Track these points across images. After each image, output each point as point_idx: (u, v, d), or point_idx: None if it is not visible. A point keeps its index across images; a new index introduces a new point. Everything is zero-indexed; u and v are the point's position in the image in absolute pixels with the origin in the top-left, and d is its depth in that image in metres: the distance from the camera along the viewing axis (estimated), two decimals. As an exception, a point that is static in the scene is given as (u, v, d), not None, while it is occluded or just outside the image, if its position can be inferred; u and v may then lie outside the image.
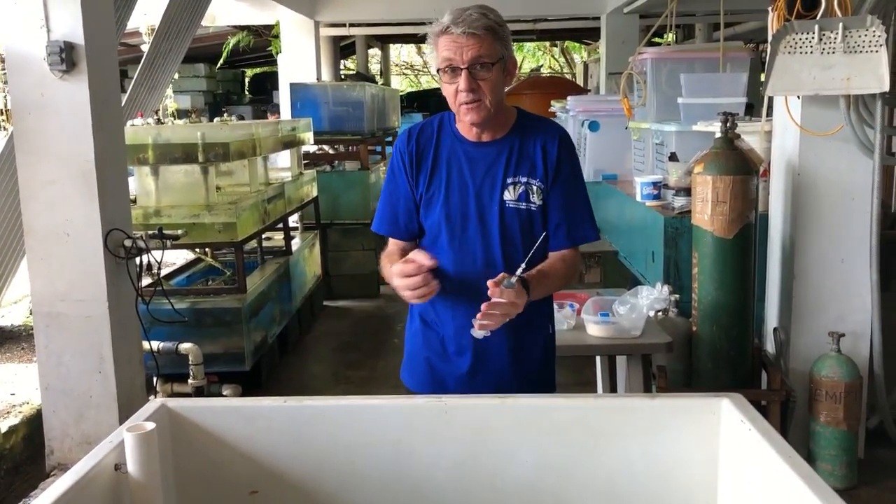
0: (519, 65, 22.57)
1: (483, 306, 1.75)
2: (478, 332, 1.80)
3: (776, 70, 3.03)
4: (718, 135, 3.12)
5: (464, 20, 1.80)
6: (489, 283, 1.75)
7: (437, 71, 1.86)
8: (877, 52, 2.89)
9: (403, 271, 1.81)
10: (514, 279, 1.77)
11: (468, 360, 1.99)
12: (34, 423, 3.53)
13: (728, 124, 3.11)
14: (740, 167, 3.02)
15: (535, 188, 1.92)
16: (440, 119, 2.00)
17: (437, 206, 1.95)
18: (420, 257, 1.81)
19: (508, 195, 1.92)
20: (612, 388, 3.42)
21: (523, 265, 1.81)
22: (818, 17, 2.99)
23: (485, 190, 1.92)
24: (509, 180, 1.92)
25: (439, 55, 1.84)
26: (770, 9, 3.24)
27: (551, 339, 2.11)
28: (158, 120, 4.41)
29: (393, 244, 2.05)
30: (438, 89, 2.01)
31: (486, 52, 1.81)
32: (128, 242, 3.24)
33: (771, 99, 3.39)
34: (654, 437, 1.64)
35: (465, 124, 1.93)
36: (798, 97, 3.16)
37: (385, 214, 2.04)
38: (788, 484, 1.32)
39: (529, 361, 2.03)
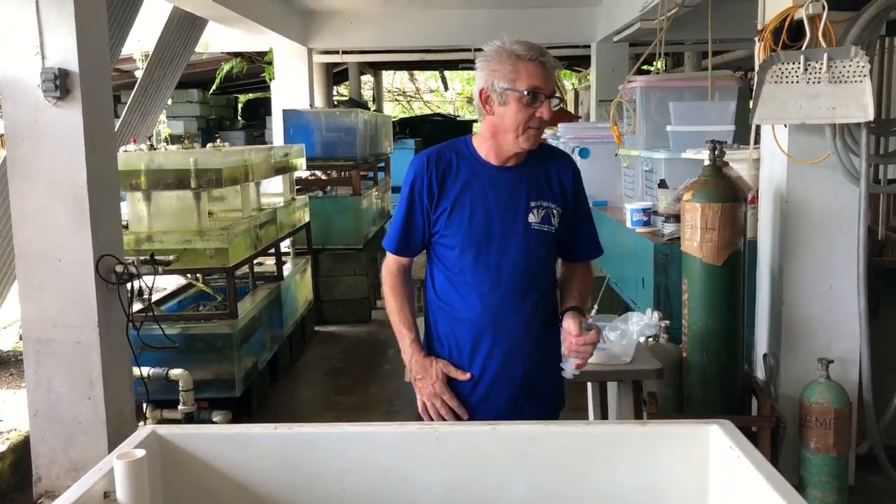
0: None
1: (570, 348, 1.96)
2: (568, 373, 1.98)
3: (763, 99, 3.08)
4: (707, 162, 3.16)
5: (545, 55, 1.95)
6: (570, 334, 1.96)
7: (523, 93, 1.92)
8: (860, 82, 2.94)
9: (435, 404, 2.08)
10: (590, 320, 1.97)
11: (484, 382, 2.07)
12: (22, 450, 3.49)
13: (716, 152, 3.15)
14: (729, 194, 3.06)
15: (554, 212, 2.05)
16: (455, 145, 2.09)
17: (461, 228, 2.02)
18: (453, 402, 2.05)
19: (533, 218, 2.02)
20: (603, 414, 3.41)
21: (595, 308, 2.05)
22: (804, 48, 3.04)
23: (508, 213, 2.02)
24: (533, 204, 2.03)
25: (524, 78, 1.92)
26: (757, 39, 3.30)
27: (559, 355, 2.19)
28: (151, 146, 4.43)
29: (394, 261, 2.15)
30: (431, 115, 2.12)
31: (554, 87, 1.97)
32: (119, 268, 3.24)
33: (758, 127, 3.43)
34: (645, 463, 1.65)
35: (495, 147, 2.02)
36: (785, 126, 3.21)
37: (399, 235, 2.11)
38: (777, 511, 1.32)
39: (544, 384, 2.12)
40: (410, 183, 2.06)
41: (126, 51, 6.29)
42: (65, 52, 3.03)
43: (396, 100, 21.85)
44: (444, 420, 2.02)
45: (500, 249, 2.01)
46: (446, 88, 18.42)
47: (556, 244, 2.09)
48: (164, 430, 1.67)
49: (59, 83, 3.00)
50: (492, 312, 2.02)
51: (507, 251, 2.01)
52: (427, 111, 20.15)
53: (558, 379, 2.11)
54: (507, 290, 2.02)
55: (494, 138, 2.01)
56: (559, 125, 6.19)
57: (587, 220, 2.16)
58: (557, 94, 1.98)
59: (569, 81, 17.26)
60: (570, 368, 1.96)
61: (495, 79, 1.95)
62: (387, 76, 18.78)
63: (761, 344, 3.49)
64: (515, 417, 2.00)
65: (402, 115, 18.48)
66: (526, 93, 1.92)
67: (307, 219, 6.13)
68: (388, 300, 2.14)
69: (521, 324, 2.04)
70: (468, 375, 2.04)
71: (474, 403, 2.07)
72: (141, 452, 1.47)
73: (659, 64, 8.12)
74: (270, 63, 8.75)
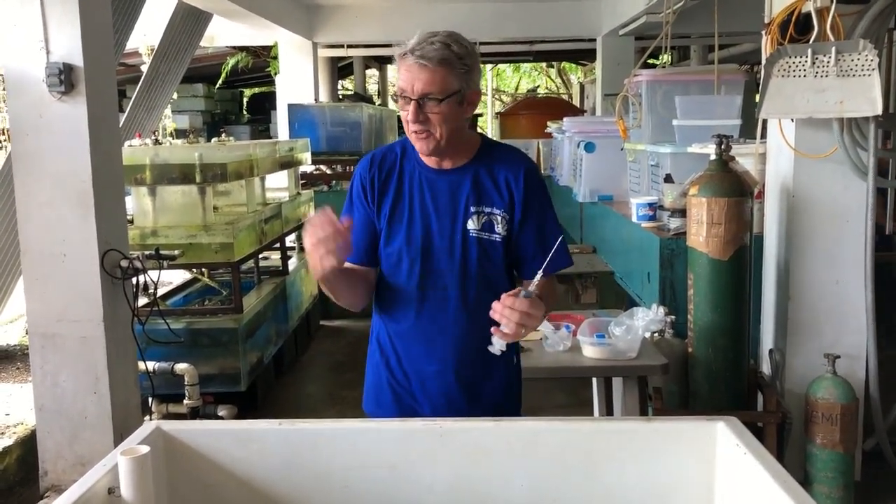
0: (516, 85, 22.70)
1: (495, 306, 1.68)
2: (495, 345, 1.73)
3: (770, 93, 3.06)
4: (713, 157, 3.14)
5: (422, 48, 1.74)
6: (505, 295, 1.68)
7: (395, 97, 1.80)
8: (869, 75, 2.92)
9: (312, 221, 1.69)
10: (531, 289, 1.70)
11: (428, 389, 1.96)
12: (28, 444, 3.51)
13: (723, 146, 3.13)
14: (735, 189, 3.04)
15: (499, 218, 1.87)
16: (403, 144, 1.93)
17: (399, 234, 1.89)
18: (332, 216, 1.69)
19: (472, 224, 1.87)
20: (608, 409, 3.41)
21: (539, 275, 1.71)
22: (811, 41, 3.02)
23: (448, 218, 1.87)
24: (472, 209, 1.87)
25: (398, 79, 1.80)
26: (764, 32, 3.27)
27: (516, 369, 2.05)
28: (156, 140, 4.43)
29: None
30: None
31: (438, 86, 1.75)
32: (124, 263, 3.24)
33: (765, 121, 3.41)
34: (650, 460, 1.64)
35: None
36: (792, 120, 3.19)
37: None
38: (784, 508, 1.32)
39: (489, 393, 1.96)
40: (353, 185, 1.94)
41: (131, 45, 6.30)
42: (69, 46, 3.03)
43: (402, 94, 21.81)
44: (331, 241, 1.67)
45: (437, 259, 1.87)
46: (451, 82, 18.36)
47: (506, 254, 1.89)
48: (168, 425, 1.67)
49: (64, 78, 3.00)
50: (427, 324, 1.89)
51: (444, 260, 1.87)
52: (432, 105, 20.06)
53: (506, 391, 1.99)
54: (443, 301, 1.88)
55: None
56: (564, 119, 6.18)
57: (545, 228, 1.90)
58: (438, 95, 1.74)
59: (574, 75, 17.22)
60: (496, 342, 1.72)
61: None
62: (392, 70, 18.75)
63: (767, 339, 3.48)
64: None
65: (407, 109, 18.45)
66: (398, 95, 1.79)
67: (312, 213, 6.11)
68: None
69: (458, 337, 1.90)
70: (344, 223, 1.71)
71: (423, 414, 1.96)
72: (145, 448, 1.47)
73: (665, 58, 8.09)
74: (275, 57, 8.75)
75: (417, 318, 1.92)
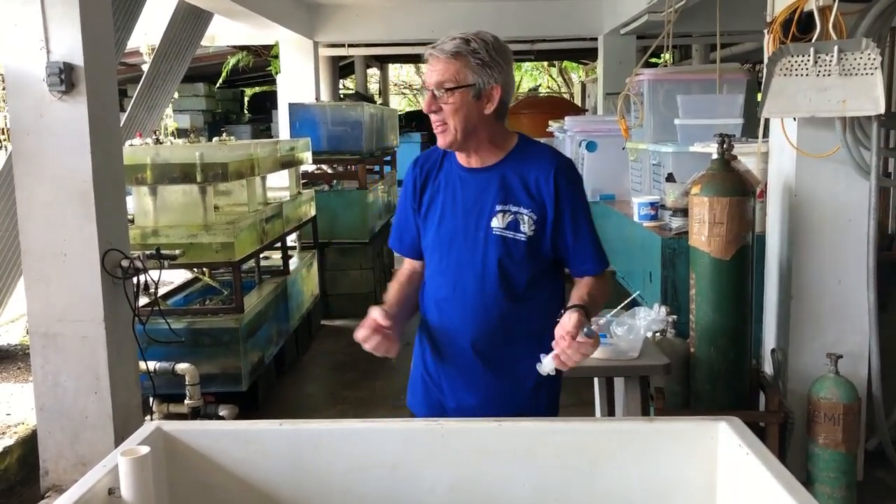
0: (517, 84, 22.69)
1: (560, 345, 1.72)
2: (545, 367, 1.76)
3: (772, 92, 3.05)
4: (715, 156, 3.13)
5: (441, 43, 1.84)
6: (565, 334, 1.72)
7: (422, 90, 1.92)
8: (872, 74, 2.91)
9: (358, 336, 1.84)
10: (594, 327, 1.76)
11: (456, 385, 2.00)
12: (29, 444, 3.50)
13: (725, 146, 3.12)
14: (737, 188, 3.03)
15: (526, 218, 1.89)
16: None
17: (432, 229, 1.98)
18: (375, 315, 1.82)
19: (496, 223, 1.89)
20: (609, 409, 3.40)
21: (596, 321, 1.80)
22: (814, 40, 3.01)
23: (472, 216, 1.92)
24: (498, 208, 1.90)
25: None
26: (766, 31, 3.26)
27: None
28: (157, 140, 4.42)
29: (406, 262, 2.12)
30: None
31: (450, 76, 1.82)
32: (125, 262, 3.24)
33: (767, 120, 3.40)
34: (652, 460, 1.63)
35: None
36: (794, 119, 3.18)
37: (394, 233, 2.12)
38: (787, 509, 1.31)
39: (520, 393, 1.97)
40: (404, 183, 2.08)
41: (133, 44, 6.29)
42: (70, 46, 3.02)
43: (402, 93, 21.83)
44: (384, 343, 1.83)
45: (460, 255, 1.93)
46: (452, 81, 18.36)
47: (535, 254, 1.91)
48: (168, 426, 1.66)
49: (65, 77, 2.99)
50: (451, 317, 1.95)
51: (465, 256, 1.92)
52: (434, 104, 20.05)
53: (538, 399, 1.98)
54: (464, 298, 1.92)
55: None
56: (566, 118, 6.17)
57: (577, 228, 1.92)
58: (450, 84, 1.81)
59: (576, 74, 17.21)
60: (547, 365, 1.75)
61: None
62: (393, 69, 18.77)
63: (769, 339, 3.47)
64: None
65: (408, 109, 18.47)
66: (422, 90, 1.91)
67: (313, 213, 6.12)
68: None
69: (485, 334, 1.93)
70: (384, 319, 1.82)
71: (448, 408, 2.02)
72: (145, 449, 1.46)
73: (667, 57, 8.08)
74: (276, 56, 8.74)
75: (442, 312, 1.98)
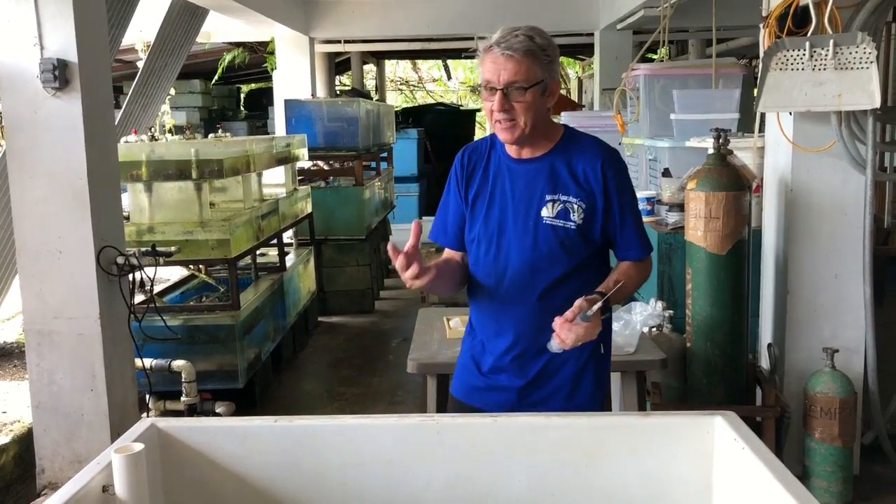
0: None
1: (557, 326, 1.82)
2: (553, 346, 1.86)
3: (768, 86, 3.04)
4: (711, 151, 3.13)
5: (507, 41, 1.84)
6: (561, 318, 1.81)
7: (481, 87, 1.91)
8: (867, 68, 2.90)
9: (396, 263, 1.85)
10: (590, 313, 1.80)
11: (493, 374, 2.05)
12: (25, 442, 3.50)
13: (720, 140, 3.12)
14: (733, 183, 3.03)
15: (575, 206, 1.94)
16: (493, 136, 2.04)
17: (479, 220, 2.01)
18: (410, 243, 1.85)
19: (547, 212, 1.95)
20: (607, 404, 3.40)
21: (600, 303, 1.83)
22: (809, 34, 3.00)
23: (522, 206, 1.97)
24: (548, 197, 1.95)
25: (482, 72, 1.89)
26: (762, 25, 3.26)
27: (602, 359, 2.06)
28: (152, 136, 4.41)
29: (446, 252, 2.15)
30: (434, 105, 2.07)
31: (523, 75, 1.85)
32: (120, 259, 3.23)
33: (763, 115, 3.40)
34: (648, 455, 1.63)
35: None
36: (790, 113, 3.18)
37: (437, 224, 2.14)
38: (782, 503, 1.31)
39: (562, 379, 2.02)
40: (451, 174, 2.10)
41: (129, 41, 6.27)
42: (63, 42, 3.01)
43: (399, 89, 21.80)
44: (413, 269, 1.83)
45: (509, 244, 1.97)
46: (449, 77, 18.33)
47: (584, 241, 1.96)
48: (163, 423, 1.66)
49: (58, 74, 2.98)
50: (500, 306, 2.00)
51: (515, 246, 1.97)
52: (430, 100, 20.08)
53: (582, 380, 2.02)
54: (513, 286, 1.97)
55: None
56: (562, 114, 6.17)
57: (624, 217, 1.98)
58: (523, 83, 1.84)
59: (573, 70, 17.20)
60: (553, 343, 1.86)
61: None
62: (390, 65, 18.73)
63: (766, 333, 3.48)
64: (528, 409, 1.98)
65: (405, 105, 18.44)
66: (482, 87, 1.91)
67: (309, 209, 6.11)
68: None
69: (530, 320, 1.97)
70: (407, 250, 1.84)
71: (484, 389, 2.06)
72: (139, 446, 1.46)
73: (663, 52, 8.07)
74: (272, 53, 8.71)
75: (491, 300, 2.02)
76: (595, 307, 1.82)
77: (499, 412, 1.94)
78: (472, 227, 2.03)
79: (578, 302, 1.82)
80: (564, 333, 1.81)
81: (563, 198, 1.94)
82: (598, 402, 2.07)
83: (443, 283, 2.02)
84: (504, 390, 2.03)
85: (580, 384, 2.03)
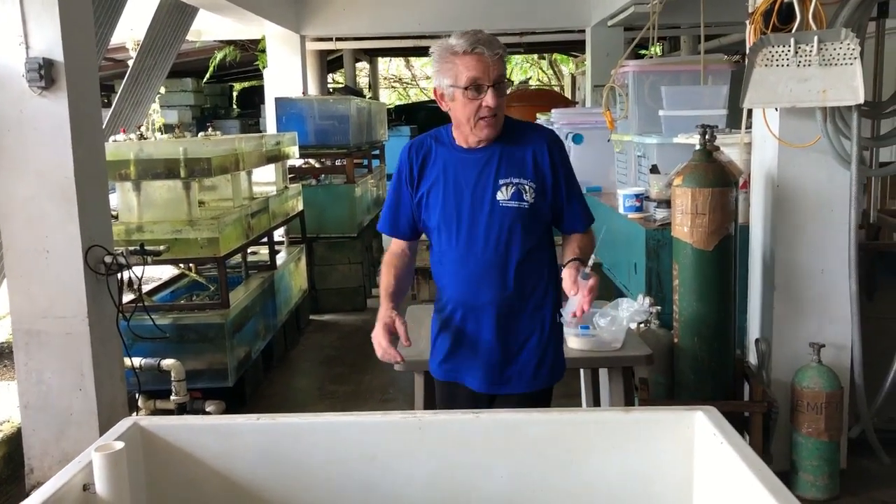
0: (508, 77, 22.65)
1: (578, 305, 1.98)
2: (567, 319, 2.05)
3: (753, 82, 3.06)
4: (697, 147, 3.14)
5: (488, 43, 2.00)
6: (567, 285, 2.00)
7: (464, 88, 2.00)
8: (851, 64, 2.92)
9: (375, 336, 2.10)
10: (587, 269, 2.00)
11: (461, 355, 2.20)
12: (14, 442, 3.49)
13: (707, 136, 3.13)
14: (719, 179, 3.04)
15: (527, 188, 2.10)
16: (438, 133, 2.21)
17: (437, 210, 2.14)
18: (397, 325, 2.07)
19: (501, 195, 2.09)
20: (595, 400, 3.42)
21: (594, 257, 2.06)
22: (794, 31, 3.01)
23: (478, 191, 2.11)
24: (501, 181, 2.09)
25: (462, 73, 2.01)
26: (747, 22, 3.27)
27: (559, 326, 2.22)
28: (141, 135, 4.40)
29: (395, 242, 2.30)
30: (427, 102, 2.16)
31: (503, 72, 2.04)
32: (108, 259, 3.23)
33: (750, 111, 3.41)
34: (630, 450, 1.64)
35: (462, 134, 2.12)
36: (776, 109, 3.19)
37: (387, 217, 2.28)
38: (759, 498, 1.32)
39: (525, 349, 2.16)
40: (398, 170, 2.22)
41: (118, 40, 6.26)
42: (49, 41, 3.00)
43: (392, 87, 21.79)
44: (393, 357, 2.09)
45: (469, 228, 2.11)
46: (442, 75, 18.32)
47: (537, 219, 2.13)
48: (146, 421, 1.67)
49: (44, 73, 2.97)
50: (466, 288, 2.13)
51: (475, 229, 2.10)
52: (423, 98, 20.06)
53: (548, 349, 2.18)
54: (478, 267, 2.11)
55: (459, 128, 2.13)
56: (553, 111, 6.17)
57: (570, 192, 2.18)
58: (507, 78, 2.05)
59: (566, 67, 17.21)
60: (567, 316, 2.01)
61: (442, 77, 2.06)
62: (382, 63, 18.72)
63: (753, 329, 3.49)
64: (499, 390, 2.14)
65: (398, 102, 18.43)
66: (466, 88, 2.00)
67: (300, 207, 6.11)
68: (381, 279, 2.27)
69: (495, 300, 2.12)
70: (402, 332, 2.08)
71: (453, 374, 2.21)
72: (119, 445, 1.46)
73: (654, 49, 8.07)
74: (264, 51, 8.70)
75: (462, 281, 2.15)
76: (590, 263, 2.01)
77: (479, 388, 2.14)
78: (431, 217, 2.17)
79: (566, 272, 2.02)
80: (587, 303, 1.97)
81: (516, 180, 2.09)
82: (561, 365, 2.25)
83: (404, 290, 2.25)
84: (482, 367, 2.16)
85: (547, 353, 2.19)
